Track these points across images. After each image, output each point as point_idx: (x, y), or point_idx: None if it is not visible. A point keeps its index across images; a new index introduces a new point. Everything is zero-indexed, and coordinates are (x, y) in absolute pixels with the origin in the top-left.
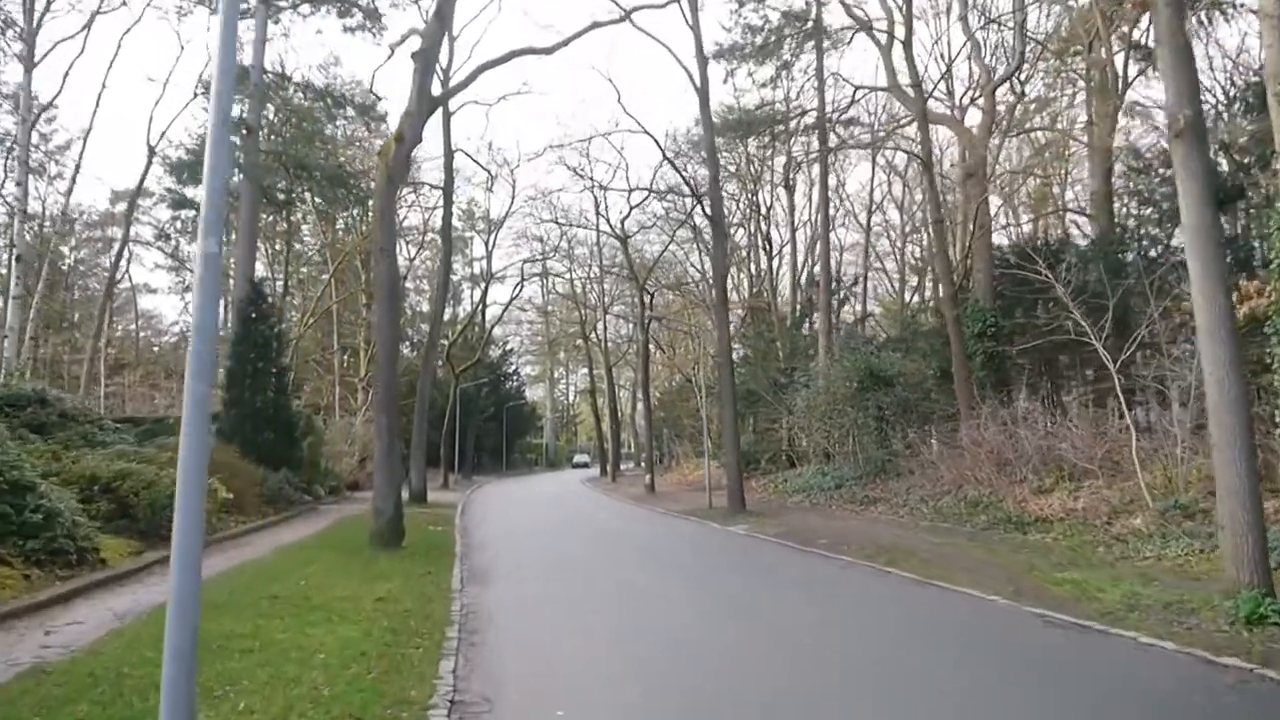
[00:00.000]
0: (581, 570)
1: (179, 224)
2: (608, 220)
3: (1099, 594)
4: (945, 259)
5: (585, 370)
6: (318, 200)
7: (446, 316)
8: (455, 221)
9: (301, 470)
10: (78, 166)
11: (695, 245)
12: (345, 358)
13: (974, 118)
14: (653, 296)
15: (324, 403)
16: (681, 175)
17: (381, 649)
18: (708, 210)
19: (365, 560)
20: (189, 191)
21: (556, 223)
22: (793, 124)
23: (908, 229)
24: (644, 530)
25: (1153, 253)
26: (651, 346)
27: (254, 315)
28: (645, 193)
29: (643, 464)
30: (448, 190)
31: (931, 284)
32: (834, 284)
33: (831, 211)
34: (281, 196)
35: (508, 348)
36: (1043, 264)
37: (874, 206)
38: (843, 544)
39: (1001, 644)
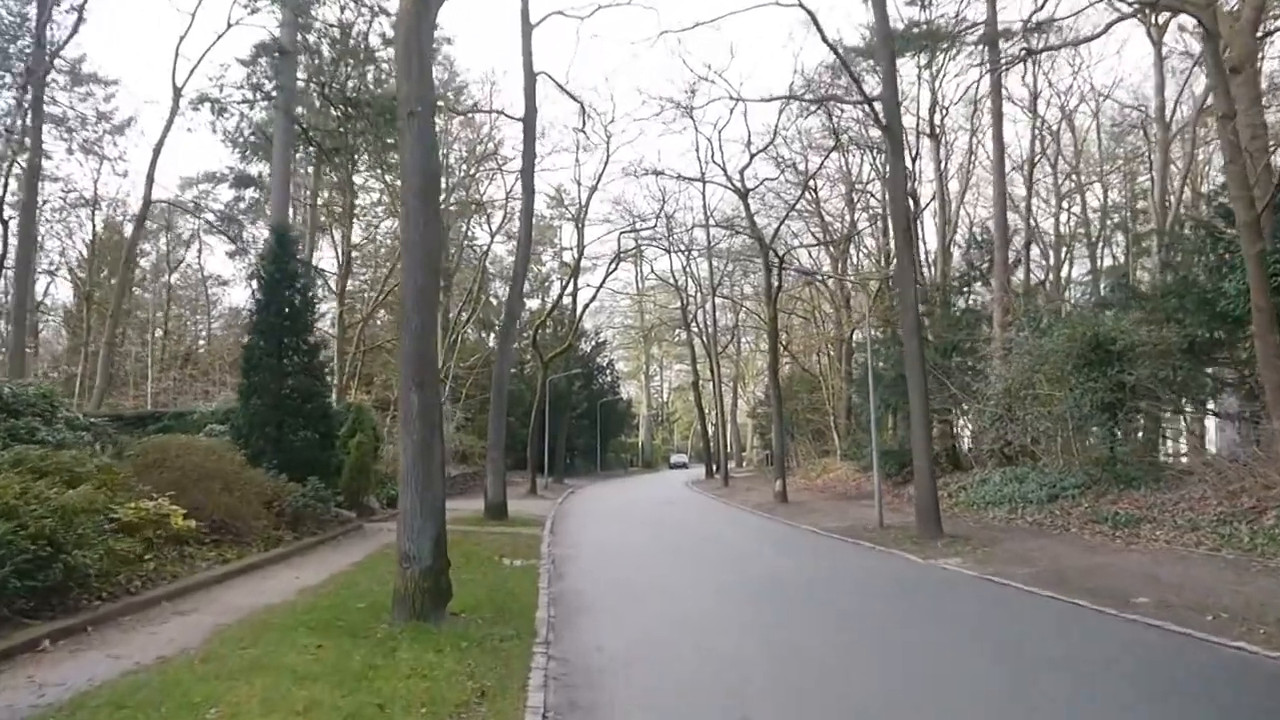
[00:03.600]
0: (791, 682)
1: (242, 205)
2: (724, 169)
3: None
4: (1241, 171)
5: (681, 365)
6: (381, 178)
7: (534, 306)
8: (544, 209)
9: (340, 478)
10: (50, 64)
11: (815, 215)
12: None
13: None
14: (781, 260)
15: (394, 396)
16: (849, 70)
17: None
18: (882, 117)
19: (369, 654)
20: (252, 170)
21: (662, 173)
22: (962, 36)
23: (1064, 189)
24: (814, 564)
25: None
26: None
27: (278, 276)
28: (785, 101)
29: (745, 464)
30: (529, 123)
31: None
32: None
33: (966, 181)
34: (327, 144)
35: (600, 340)
36: None
37: (1034, 161)
38: (1180, 604)
39: None
